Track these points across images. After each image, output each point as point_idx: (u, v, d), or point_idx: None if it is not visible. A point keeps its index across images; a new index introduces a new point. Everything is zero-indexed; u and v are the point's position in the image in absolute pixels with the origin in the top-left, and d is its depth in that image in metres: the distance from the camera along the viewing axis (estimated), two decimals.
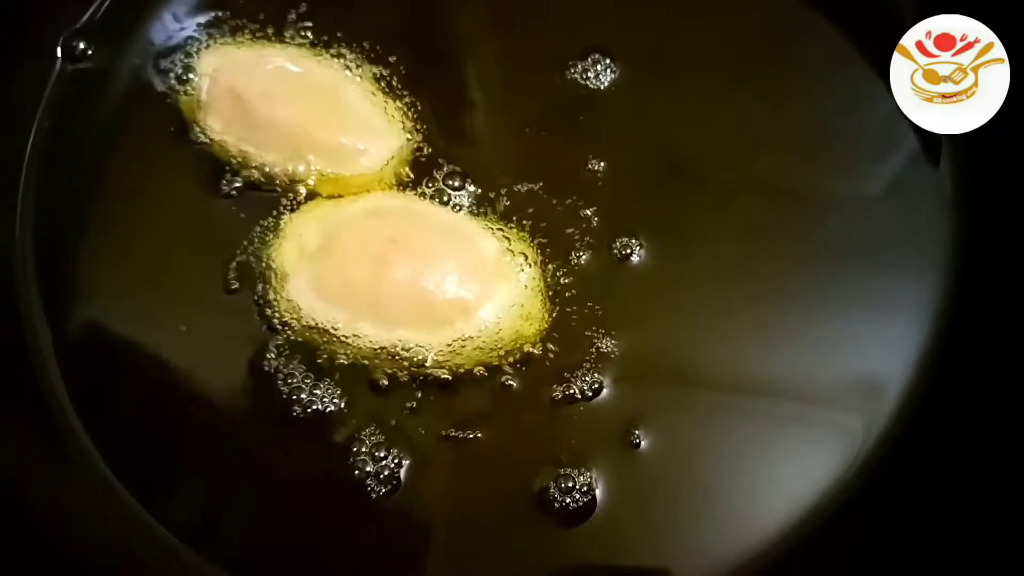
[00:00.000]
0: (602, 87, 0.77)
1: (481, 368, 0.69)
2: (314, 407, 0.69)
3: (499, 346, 0.69)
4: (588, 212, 0.73)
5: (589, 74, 0.77)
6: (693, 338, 0.71)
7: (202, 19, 0.80)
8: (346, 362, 0.69)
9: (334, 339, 0.69)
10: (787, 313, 0.72)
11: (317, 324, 0.69)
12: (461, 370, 0.69)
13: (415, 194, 0.74)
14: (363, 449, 0.68)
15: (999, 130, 0.71)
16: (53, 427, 0.72)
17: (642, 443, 0.68)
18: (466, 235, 0.71)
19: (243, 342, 0.71)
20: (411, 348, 0.68)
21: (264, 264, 0.72)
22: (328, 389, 0.69)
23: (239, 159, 0.74)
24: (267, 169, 0.73)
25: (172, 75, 0.78)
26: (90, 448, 0.71)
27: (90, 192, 0.77)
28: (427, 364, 0.69)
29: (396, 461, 0.68)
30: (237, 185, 0.74)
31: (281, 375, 0.70)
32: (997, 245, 0.72)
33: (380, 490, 0.68)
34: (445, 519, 0.69)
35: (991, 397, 0.69)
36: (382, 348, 0.69)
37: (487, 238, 0.71)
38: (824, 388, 0.70)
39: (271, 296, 0.71)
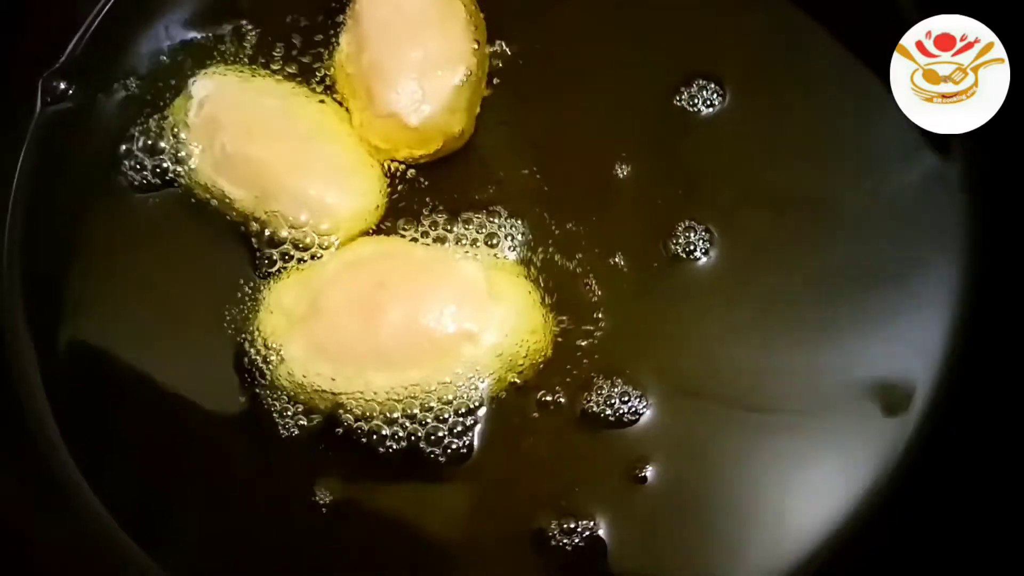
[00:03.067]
0: None
1: (502, 392, 0.69)
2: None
3: (512, 366, 0.69)
4: (582, 228, 0.73)
5: None
6: (706, 356, 0.71)
7: (192, 46, 0.79)
8: (362, 414, 0.68)
9: (345, 397, 0.68)
10: (800, 323, 0.72)
11: (323, 387, 0.68)
12: (473, 401, 0.69)
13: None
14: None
15: (999, 130, 0.71)
16: (41, 459, 0.71)
17: (652, 471, 0.68)
18: (450, 264, 0.70)
19: (235, 373, 0.70)
20: (430, 388, 0.68)
21: (255, 330, 0.71)
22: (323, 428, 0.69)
23: (213, 191, 0.73)
24: (236, 207, 0.72)
25: (159, 110, 0.76)
26: (80, 481, 0.70)
27: (74, 232, 0.75)
28: (447, 398, 0.68)
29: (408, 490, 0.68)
30: (219, 223, 0.73)
31: (275, 404, 0.69)
32: (999, 242, 0.73)
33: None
34: (455, 544, 0.69)
35: (1016, 396, 0.68)
36: (397, 392, 0.67)
37: (471, 262, 0.70)
38: (845, 399, 0.70)
39: (268, 364, 0.70)
